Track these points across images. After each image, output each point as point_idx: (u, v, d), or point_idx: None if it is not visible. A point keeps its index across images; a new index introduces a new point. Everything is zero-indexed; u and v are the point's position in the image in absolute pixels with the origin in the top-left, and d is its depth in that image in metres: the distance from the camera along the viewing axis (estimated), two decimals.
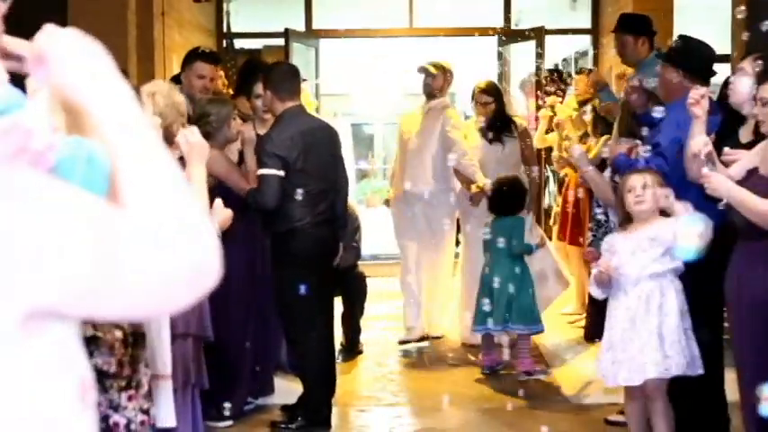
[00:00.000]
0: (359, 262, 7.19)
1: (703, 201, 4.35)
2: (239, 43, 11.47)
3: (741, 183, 3.99)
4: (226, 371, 5.26)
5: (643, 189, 4.47)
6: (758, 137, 4.14)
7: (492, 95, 7.29)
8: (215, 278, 1.25)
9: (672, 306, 4.43)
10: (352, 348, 7.15)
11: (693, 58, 4.98)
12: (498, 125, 7.25)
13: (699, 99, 4.09)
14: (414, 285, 7.36)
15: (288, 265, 5.27)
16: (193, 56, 6.23)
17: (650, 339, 4.38)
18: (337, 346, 6.88)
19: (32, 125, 1.29)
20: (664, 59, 5.17)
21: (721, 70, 7.72)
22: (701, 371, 4.45)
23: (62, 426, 1.22)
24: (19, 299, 1.13)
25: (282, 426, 5.46)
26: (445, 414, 5.91)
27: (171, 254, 1.20)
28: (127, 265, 1.17)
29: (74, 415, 1.24)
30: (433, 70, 7.33)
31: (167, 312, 1.26)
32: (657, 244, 4.43)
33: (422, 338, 7.34)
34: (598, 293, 4.66)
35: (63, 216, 1.15)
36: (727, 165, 4.16)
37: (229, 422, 5.46)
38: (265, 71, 5.63)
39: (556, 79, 9.71)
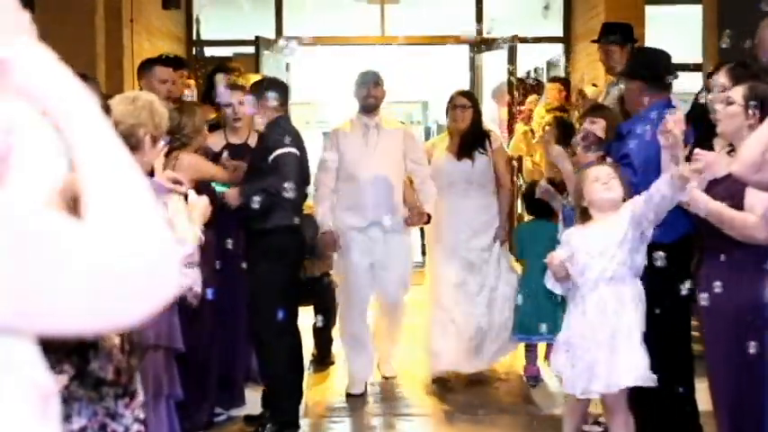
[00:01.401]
0: (330, 271, 7.18)
1: (674, 208, 4.39)
2: (209, 51, 11.47)
3: (709, 191, 4.03)
4: (194, 381, 5.24)
5: (608, 177, 4.44)
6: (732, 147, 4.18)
7: (471, 100, 6.74)
8: (172, 291, 1.24)
9: (629, 317, 4.33)
10: (324, 359, 7.15)
11: (651, 69, 5.03)
12: (471, 139, 6.57)
13: (674, 125, 4.10)
14: (365, 330, 6.55)
15: (274, 261, 5.38)
16: (151, 61, 6.24)
17: (608, 350, 4.30)
18: (309, 357, 6.92)
19: None
20: (624, 74, 5.28)
21: (693, 79, 7.82)
22: (652, 383, 4.32)
23: None
24: None
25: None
26: (415, 424, 5.96)
27: (126, 266, 1.18)
28: (74, 277, 1.14)
29: (31, 426, 1.19)
30: (382, 81, 6.53)
31: (124, 325, 1.23)
32: (613, 239, 4.34)
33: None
34: (556, 288, 4.59)
35: None
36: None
37: None
38: (256, 83, 5.85)
39: (529, 87, 9.80)
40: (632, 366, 4.29)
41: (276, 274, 5.39)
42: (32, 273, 1.12)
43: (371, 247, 6.35)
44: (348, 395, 6.38)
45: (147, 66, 6.22)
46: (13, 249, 1.11)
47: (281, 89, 5.69)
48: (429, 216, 6.32)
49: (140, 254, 1.20)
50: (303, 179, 5.63)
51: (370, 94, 6.40)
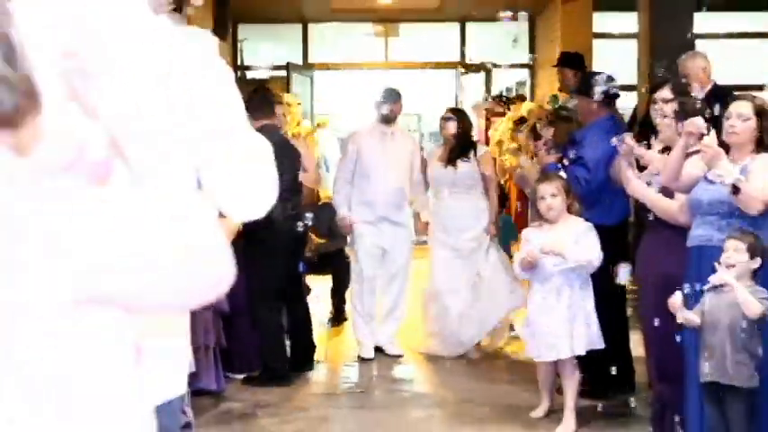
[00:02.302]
0: (345, 248, 7.18)
1: (615, 199, 4.53)
2: (250, 74, 11.51)
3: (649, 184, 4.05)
4: (237, 334, 5.26)
5: (552, 197, 4.39)
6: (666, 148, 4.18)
7: (458, 115, 6.34)
8: (226, 287, 1.09)
9: (577, 298, 4.35)
10: (339, 316, 7.13)
11: (597, 89, 5.00)
12: (458, 149, 6.07)
13: (629, 141, 4.07)
14: (373, 304, 6.26)
15: (268, 250, 5.18)
16: None
17: (561, 327, 4.32)
18: (327, 316, 6.95)
19: (87, 136, 1.07)
20: (576, 92, 5.30)
21: (629, 97, 7.81)
22: (601, 345, 4.38)
23: (120, 389, 1.07)
24: (67, 289, 0.97)
25: (251, 378, 5.41)
26: (411, 367, 5.99)
27: (191, 272, 1.03)
28: (150, 275, 1.01)
29: (129, 377, 1.09)
30: (401, 98, 6.27)
31: (186, 309, 1.13)
32: (566, 244, 4.33)
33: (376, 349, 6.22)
34: (522, 275, 4.57)
35: (101, 219, 0.98)
36: (638, 162, 4.18)
37: (245, 374, 5.43)
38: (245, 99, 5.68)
39: (501, 103, 9.84)
40: (588, 334, 4.34)
41: (271, 258, 5.20)
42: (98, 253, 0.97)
43: (381, 237, 6.11)
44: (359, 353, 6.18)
45: None
46: (82, 229, 0.97)
47: (263, 101, 5.40)
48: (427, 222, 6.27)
49: (205, 270, 1.04)
50: (285, 179, 5.32)
51: (390, 108, 6.12)
